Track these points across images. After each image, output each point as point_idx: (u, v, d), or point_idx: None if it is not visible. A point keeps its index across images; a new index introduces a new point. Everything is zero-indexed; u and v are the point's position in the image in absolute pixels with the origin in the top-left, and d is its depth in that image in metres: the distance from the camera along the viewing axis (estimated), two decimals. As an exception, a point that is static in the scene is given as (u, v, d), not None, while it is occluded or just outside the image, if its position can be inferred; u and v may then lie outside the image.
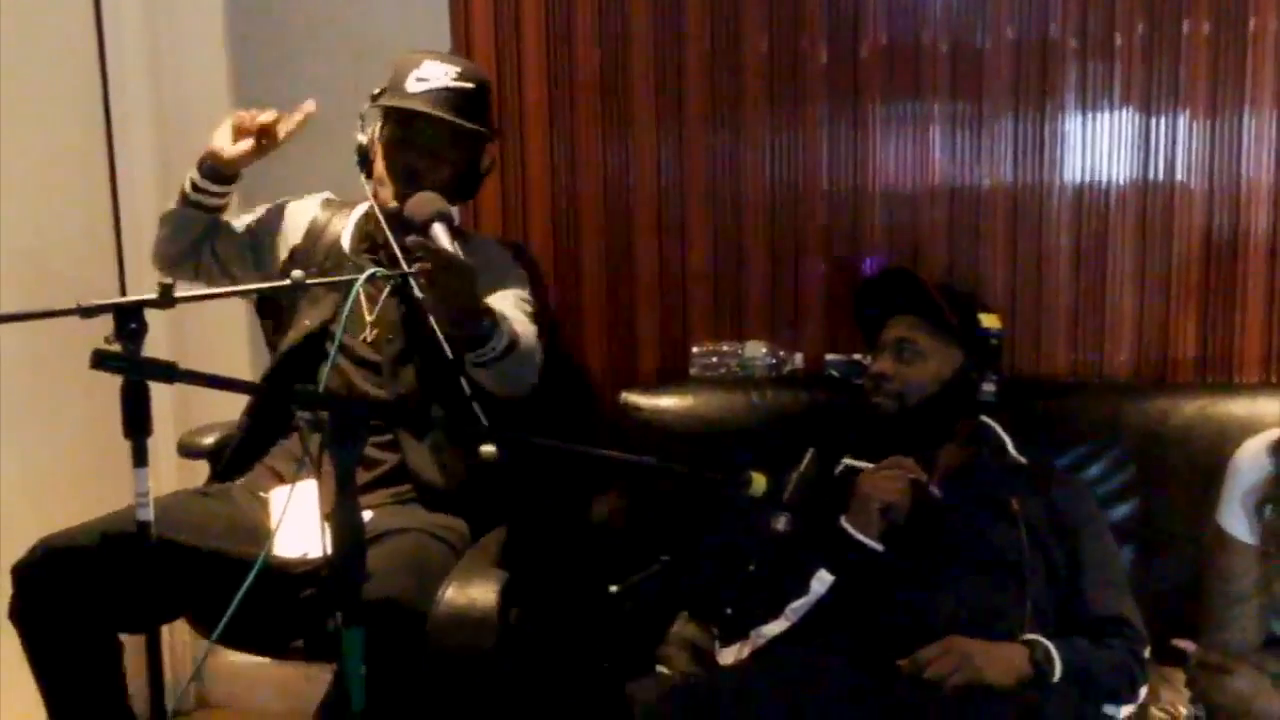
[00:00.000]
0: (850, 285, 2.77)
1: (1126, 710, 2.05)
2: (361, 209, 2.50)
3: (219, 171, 2.39)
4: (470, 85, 2.37)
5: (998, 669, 1.92)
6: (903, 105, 2.77)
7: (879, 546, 2.07)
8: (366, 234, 2.46)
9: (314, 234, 2.50)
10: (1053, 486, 2.24)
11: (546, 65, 2.88)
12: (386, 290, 2.39)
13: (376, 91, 2.38)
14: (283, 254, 2.50)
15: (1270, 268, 2.66)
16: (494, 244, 2.59)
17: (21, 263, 2.68)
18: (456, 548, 2.26)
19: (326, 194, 2.59)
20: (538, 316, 2.43)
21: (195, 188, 2.42)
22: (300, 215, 2.54)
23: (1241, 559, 1.91)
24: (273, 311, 2.54)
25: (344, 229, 2.50)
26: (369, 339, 2.40)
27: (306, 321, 2.40)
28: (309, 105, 2.39)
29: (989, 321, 2.33)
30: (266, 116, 2.36)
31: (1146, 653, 2.09)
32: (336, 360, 2.37)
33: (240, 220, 2.54)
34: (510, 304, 2.37)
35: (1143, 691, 2.07)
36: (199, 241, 2.47)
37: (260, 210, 2.56)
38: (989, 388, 2.24)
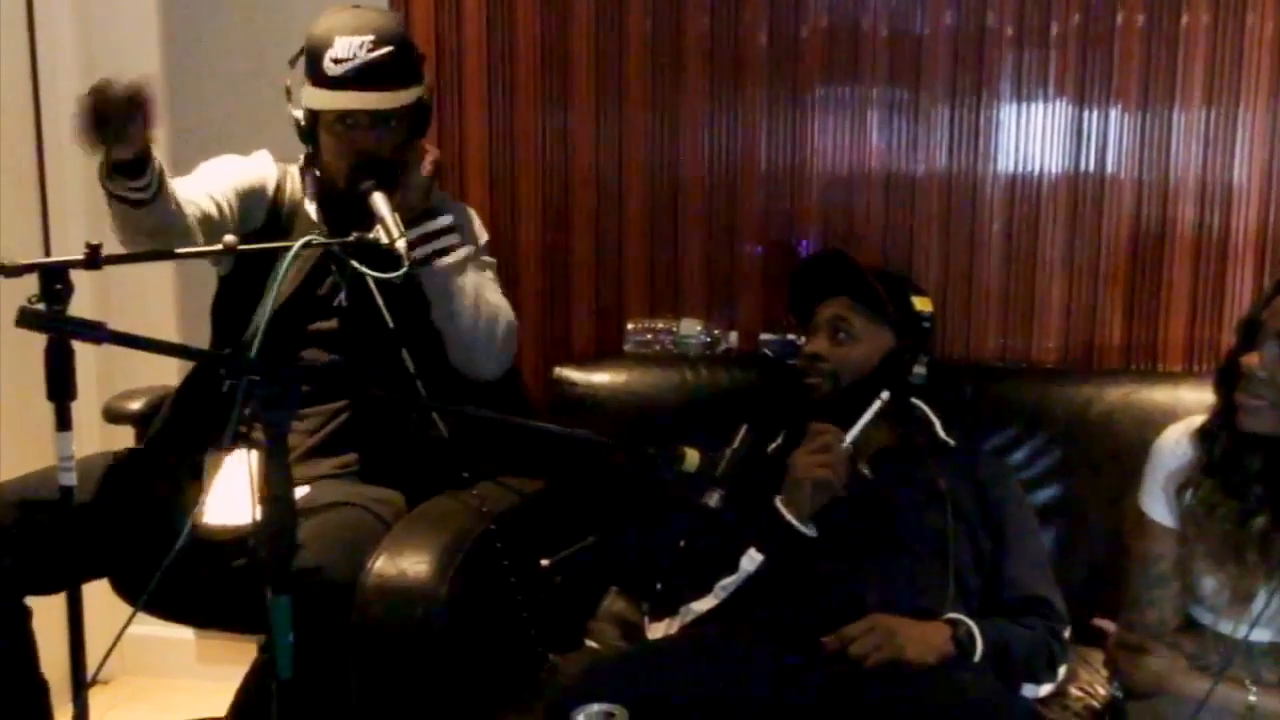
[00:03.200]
0: (786, 266, 2.79)
1: (1046, 689, 2.09)
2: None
3: (119, 162, 2.02)
4: (388, 49, 2.30)
5: (920, 647, 1.94)
6: (841, 89, 2.78)
7: (811, 531, 2.09)
8: (333, 203, 2.41)
9: (279, 201, 2.46)
10: (979, 468, 2.28)
11: (486, 33, 2.86)
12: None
13: (299, 65, 2.32)
14: (251, 221, 2.42)
15: (1195, 260, 2.70)
16: (455, 204, 2.57)
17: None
18: (389, 521, 2.24)
19: (264, 152, 2.52)
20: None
21: (114, 196, 2.09)
22: (258, 179, 2.46)
23: (1161, 542, 1.95)
24: (233, 281, 2.45)
25: (309, 194, 2.44)
26: (343, 304, 2.40)
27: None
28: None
29: (921, 304, 2.36)
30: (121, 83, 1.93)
31: (1066, 633, 2.13)
32: (300, 328, 2.38)
33: (197, 183, 2.37)
34: (491, 286, 2.42)
35: (1062, 671, 2.12)
36: (168, 223, 2.21)
37: (209, 169, 2.43)
38: (919, 370, 2.27)
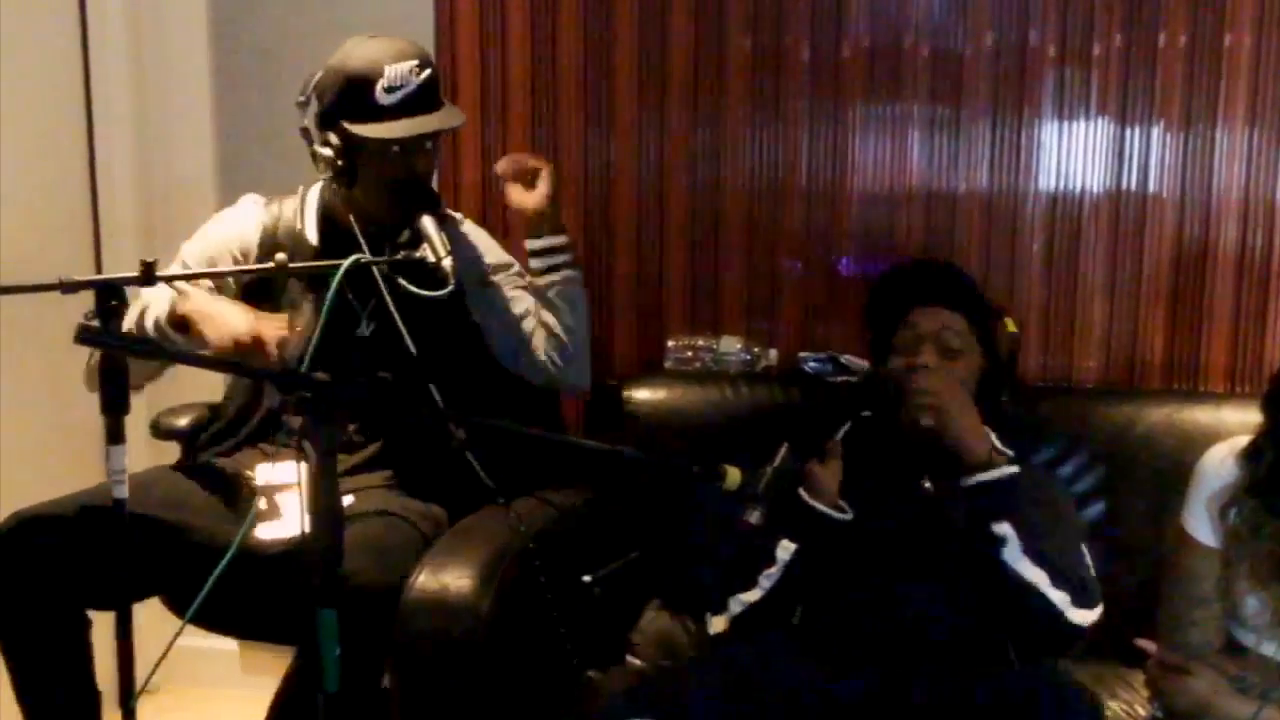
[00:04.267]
0: (826, 284, 2.81)
1: (1084, 615, 2.02)
2: (312, 203, 2.43)
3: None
4: (430, 71, 2.30)
5: (972, 430, 2.00)
6: (883, 107, 2.79)
7: (845, 515, 2.09)
8: (340, 233, 2.37)
9: (268, 237, 2.41)
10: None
11: (530, 50, 2.88)
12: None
13: (329, 101, 2.26)
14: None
15: (1238, 279, 2.69)
16: (480, 231, 2.57)
17: (1, 246, 2.68)
18: (428, 534, 2.26)
19: (253, 195, 2.49)
20: None
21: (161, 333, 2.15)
22: (244, 230, 2.43)
23: (1204, 561, 1.94)
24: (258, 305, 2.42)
25: (305, 223, 2.42)
26: (365, 333, 2.37)
27: (298, 328, 2.28)
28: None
29: (1011, 326, 2.31)
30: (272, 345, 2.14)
31: (1099, 607, 2.05)
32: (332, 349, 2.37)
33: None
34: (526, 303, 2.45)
35: (1097, 611, 2.04)
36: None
37: (193, 251, 2.42)
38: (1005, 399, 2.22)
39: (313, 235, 2.40)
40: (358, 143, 2.25)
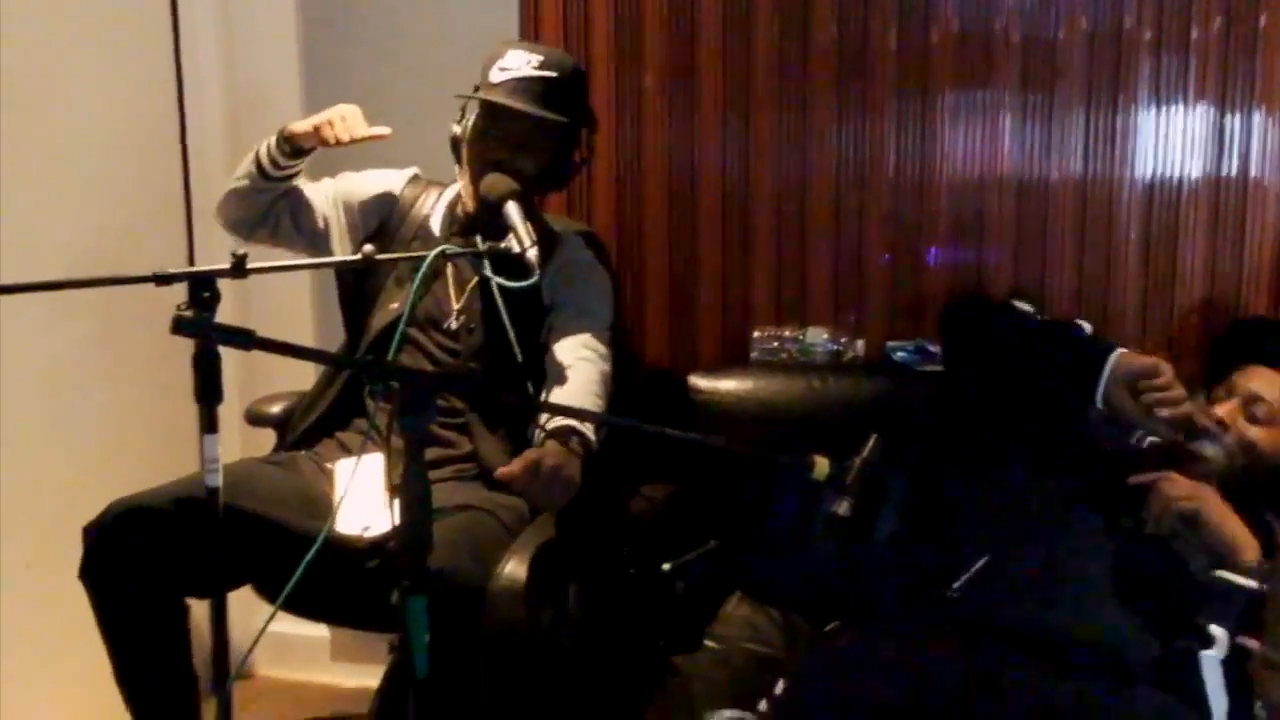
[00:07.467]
0: (914, 274, 2.78)
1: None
2: (451, 193, 2.50)
3: (298, 146, 2.38)
4: (553, 74, 2.33)
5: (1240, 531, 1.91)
6: (972, 94, 2.75)
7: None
8: (457, 219, 2.46)
9: (400, 211, 2.51)
10: None
11: (615, 47, 2.89)
12: (474, 281, 2.40)
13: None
14: (364, 228, 2.49)
15: (1344, 267, 2.62)
16: (576, 240, 2.56)
17: (96, 237, 2.74)
18: (512, 527, 2.27)
19: (414, 170, 2.57)
20: (612, 334, 2.42)
21: (273, 162, 2.40)
22: (386, 189, 2.52)
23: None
24: (353, 289, 2.52)
25: (434, 210, 2.50)
26: (453, 326, 2.40)
27: (393, 305, 2.38)
28: (385, 131, 2.35)
29: None
30: (357, 131, 2.32)
31: None
32: (417, 341, 2.40)
33: (320, 187, 2.52)
34: (579, 351, 2.33)
35: None
36: (273, 206, 2.46)
37: (344, 179, 2.54)
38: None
39: (436, 224, 2.47)
40: (463, 117, 2.35)
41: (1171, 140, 2.67)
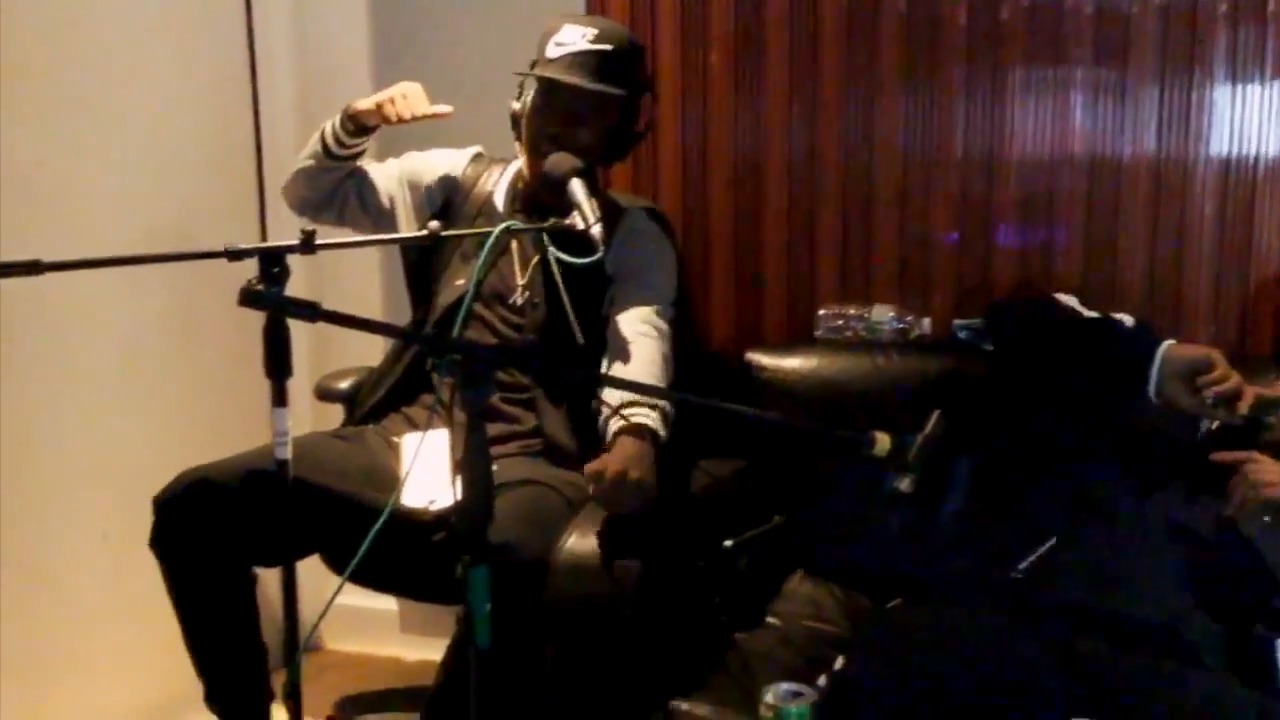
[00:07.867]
0: (982, 252, 2.74)
1: None
2: (513, 169, 2.51)
3: (362, 124, 2.42)
4: (608, 47, 2.33)
5: None
6: (1043, 70, 2.71)
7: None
8: (519, 195, 2.47)
9: (464, 189, 2.53)
10: None
11: (680, 25, 2.88)
12: (537, 258, 2.41)
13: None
14: (429, 207, 2.52)
15: None
16: (639, 214, 2.56)
17: (173, 217, 2.80)
18: (575, 502, 2.29)
19: (477, 148, 2.59)
20: (674, 312, 2.44)
21: (337, 140, 2.44)
22: (449, 168, 2.55)
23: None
24: (420, 266, 2.55)
25: (498, 187, 2.52)
26: (518, 302, 2.42)
27: (459, 281, 2.41)
28: (447, 109, 2.38)
29: None
30: (418, 109, 2.36)
31: None
32: (483, 316, 2.42)
33: (386, 167, 2.56)
34: (639, 326, 2.35)
35: None
36: (340, 186, 2.51)
37: (409, 158, 2.58)
38: None
39: (500, 200, 2.49)
40: (521, 94, 2.37)
41: (1248, 117, 2.61)
